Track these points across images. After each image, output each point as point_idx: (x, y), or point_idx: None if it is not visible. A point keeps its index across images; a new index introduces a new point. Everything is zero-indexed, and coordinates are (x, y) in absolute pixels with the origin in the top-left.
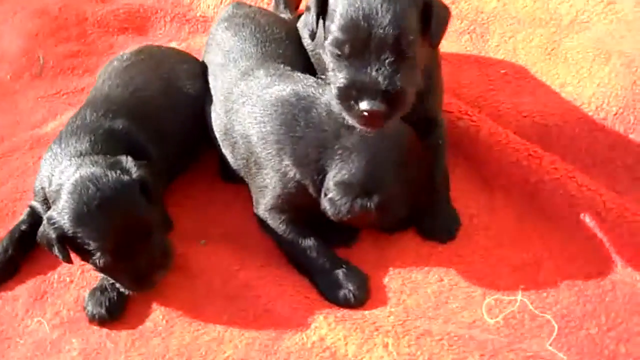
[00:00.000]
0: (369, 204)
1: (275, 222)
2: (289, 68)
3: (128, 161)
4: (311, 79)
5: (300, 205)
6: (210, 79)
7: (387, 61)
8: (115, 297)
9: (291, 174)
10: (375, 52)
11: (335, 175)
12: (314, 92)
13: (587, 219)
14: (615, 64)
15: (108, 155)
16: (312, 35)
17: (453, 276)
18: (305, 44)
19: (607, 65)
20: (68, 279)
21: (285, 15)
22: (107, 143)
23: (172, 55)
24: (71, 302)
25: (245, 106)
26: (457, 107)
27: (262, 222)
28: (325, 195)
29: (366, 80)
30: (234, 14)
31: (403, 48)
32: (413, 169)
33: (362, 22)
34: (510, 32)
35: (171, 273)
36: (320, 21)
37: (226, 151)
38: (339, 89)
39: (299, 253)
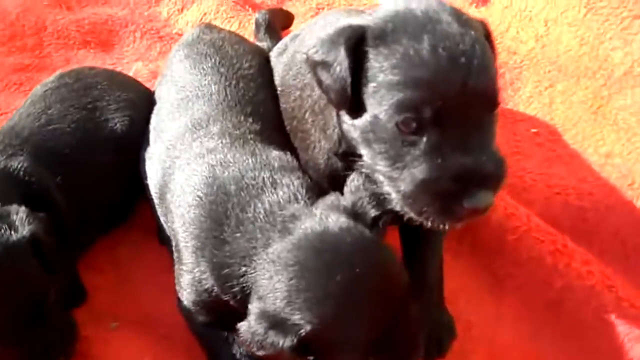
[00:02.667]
0: (281, 342)
1: (192, 325)
2: (256, 127)
3: (19, 212)
4: (273, 157)
5: (221, 312)
6: (154, 118)
7: (488, 130)
8: None
9: (207, 284)
10: (473, 117)
11: (256, 296)
12: (263, 181)
13: (628, 346)
14: None
15: None
16: (345, 103)
17: None
18: (275, 81)
19: None
20: None
21: (265, 44)
22: None
23: (107, 79)
24: None
25: (182, 172)
26: None
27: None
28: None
29: (470, 164)
30: (198, 39)
31: (496, 104)
32: (376, 302)
33: (450, 68)
34: (547, 80)
35: None
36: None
37: (160, 215)
38: (426, 181)
39: None
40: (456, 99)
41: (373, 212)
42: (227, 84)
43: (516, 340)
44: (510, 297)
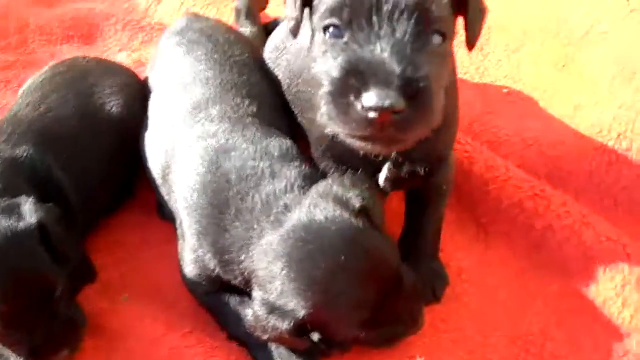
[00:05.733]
0: (282, 324)
1: (196, 295)
2: (254, 109)
3: (27, 203)
4: (273, 145)
5: (223, 282)
6: (152, 103)
7: (408, 33)
8: None
9: (210, 264)
10: (389, 20)
11: (256, 285)
12: (263, 172)
13: (607, 277)
14: None
15: (5, 198)
16: (295, 29)
17: (434, 350)
18: (281, 77)
19: (630, 83)
20: None
21: (247, 29)
22: (6, 177)
23: (99, 67)
24: None
25: (184, 155)
26: None
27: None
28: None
29: (373, 59)
30: (188, 28)
31: (433, 18)
32: (363, 284)
33: None
34: (515, 44)
35: (86, 335)
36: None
37: (164, 195)
38: (332, 80)
39: (230, 324)
40: (371, 4)
41: (360, 200)
42: (221, 69)
43: (504, 280)
44: (495, 242)
